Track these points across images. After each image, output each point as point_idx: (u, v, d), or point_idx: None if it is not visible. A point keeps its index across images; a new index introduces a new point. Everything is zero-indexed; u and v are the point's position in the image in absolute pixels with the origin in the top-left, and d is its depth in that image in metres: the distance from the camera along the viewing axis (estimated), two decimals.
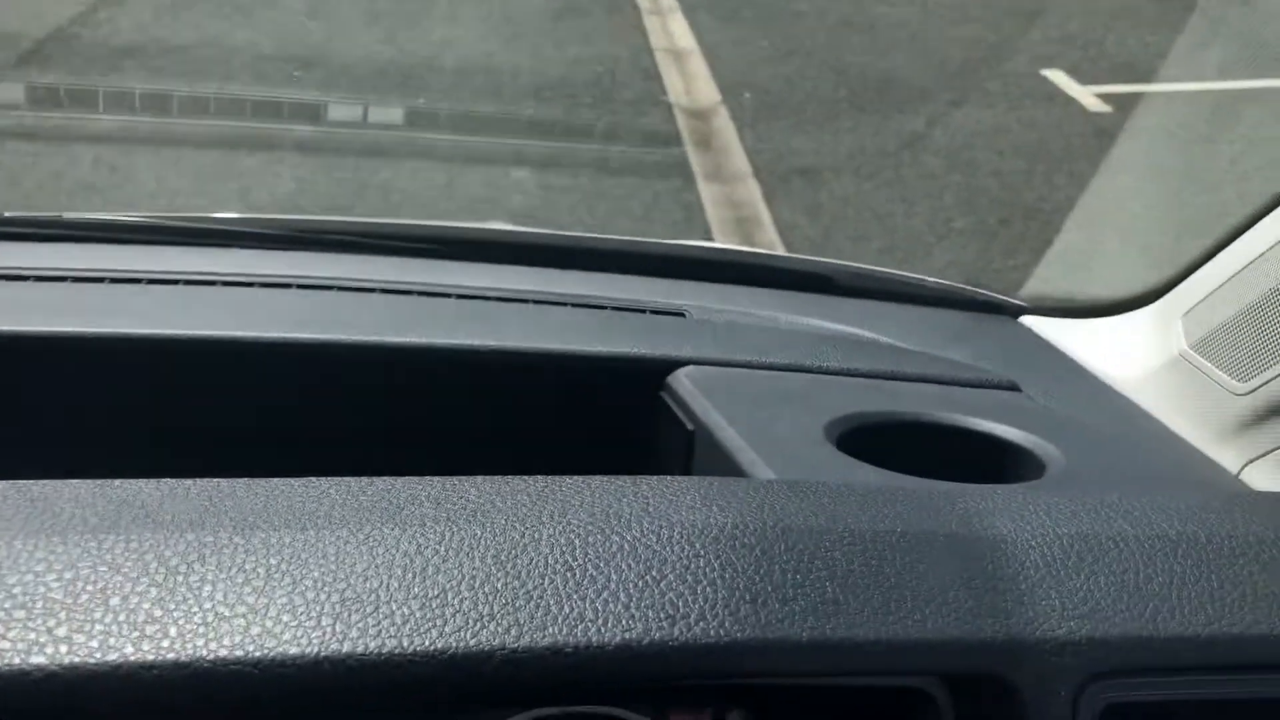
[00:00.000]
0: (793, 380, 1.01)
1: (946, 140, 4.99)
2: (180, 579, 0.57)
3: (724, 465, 0.88)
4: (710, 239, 3.96)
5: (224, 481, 0.65)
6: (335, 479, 0.66)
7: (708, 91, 5.46)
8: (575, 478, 0.69)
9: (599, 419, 1.04)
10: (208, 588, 0.57)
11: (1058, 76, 5.74)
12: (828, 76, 5.71)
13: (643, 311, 1.14)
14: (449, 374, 1.00)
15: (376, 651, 0.56)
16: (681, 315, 1.16)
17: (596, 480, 0.69)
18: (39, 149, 4.43)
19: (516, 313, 1.10)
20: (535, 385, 1.02)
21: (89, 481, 0.64)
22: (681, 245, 1.36)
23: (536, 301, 1.12)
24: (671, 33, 6.30)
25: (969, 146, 4.95)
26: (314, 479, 0.66)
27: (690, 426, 0.95)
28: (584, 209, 4.21)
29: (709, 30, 6.30)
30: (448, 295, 1.10)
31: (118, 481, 0.64)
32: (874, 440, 0.92)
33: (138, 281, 1.04)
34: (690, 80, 5.62)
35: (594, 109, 5.20)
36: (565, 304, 1.13)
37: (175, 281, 1.06)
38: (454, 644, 0.57)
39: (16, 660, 0.53)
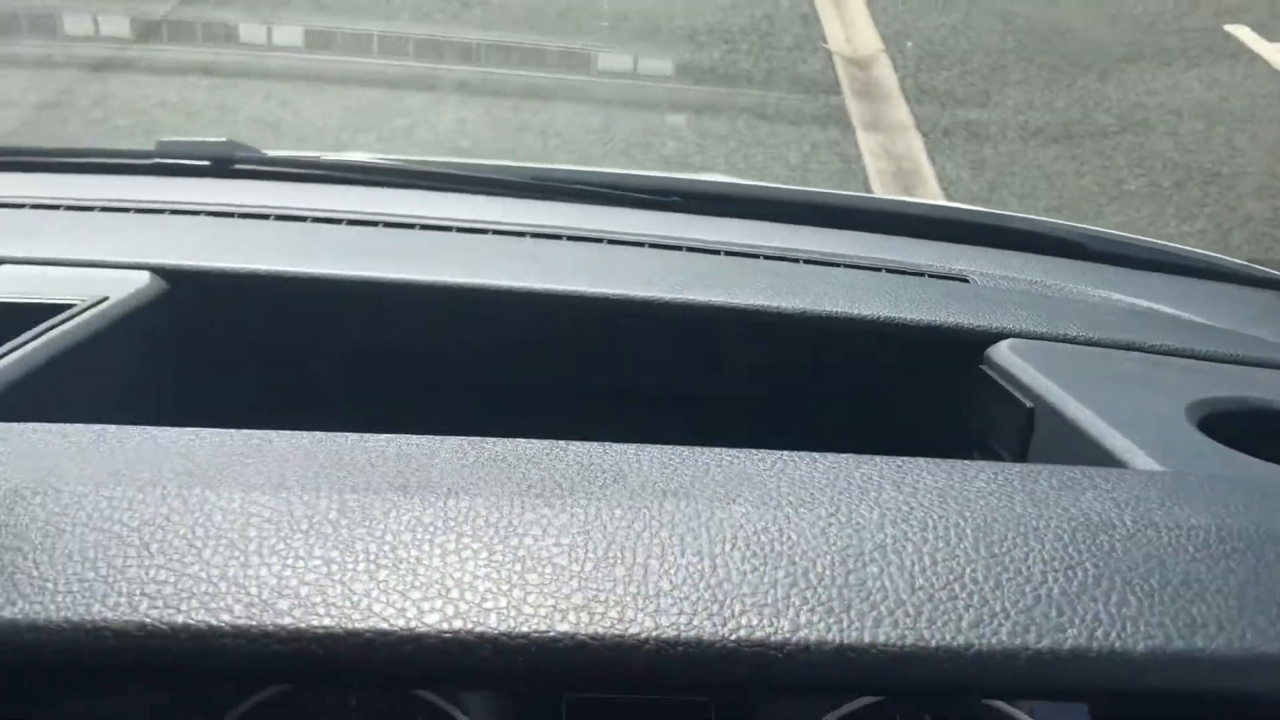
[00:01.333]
0: (1132, 360, 0.92)
1: (1119, 97, 4.77)
2: (465, 545, 0.56)
3: (1078, 450, 0.80)
4: (869, 191, 3.88)
5: (509, 443, 0.63)
6: (672, 448, 0.64)
7: (868, 39, 5.33)
8: (940, 461, 0.65)
9: (901, 390, 0.97)
10: (485, 554, 0.56)
11: (1242, 32, 5.43)
12: (994, 26, 5.50)
13: (921, 275, 1.06)
14: (739, 336, 0.94)
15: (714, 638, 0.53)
16: (965, 280, 1.07)
17: (991, 470, 0.64)
18: (214, 83, 4.58)
19: (791, 272, 1.02)
20: (829, 351, 0.96)
21: (395, 438, 0.63)
22: (923, 204, 1.27)
23: (808, 261, 1.06)
24: None
25: (1143, 105, 4.72)
26: (620, 446, 0.64)
27: (1029, 404, 0.87)
28: (740, 156, 4.17)
29: None
30: (715, 252, 1.05)
31: (416, 438, 0.63)
32: (1231, 428, 0.83)
33: (411, 227, 1.04)
34: (850, 28, 5.49)
35: (751, 55, 5.12)
36: (837, 264, 1.05)
37: (448, 228, 1.05)
38: (786, 633, 0.53)
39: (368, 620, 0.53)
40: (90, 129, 4.21)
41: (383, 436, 0.64)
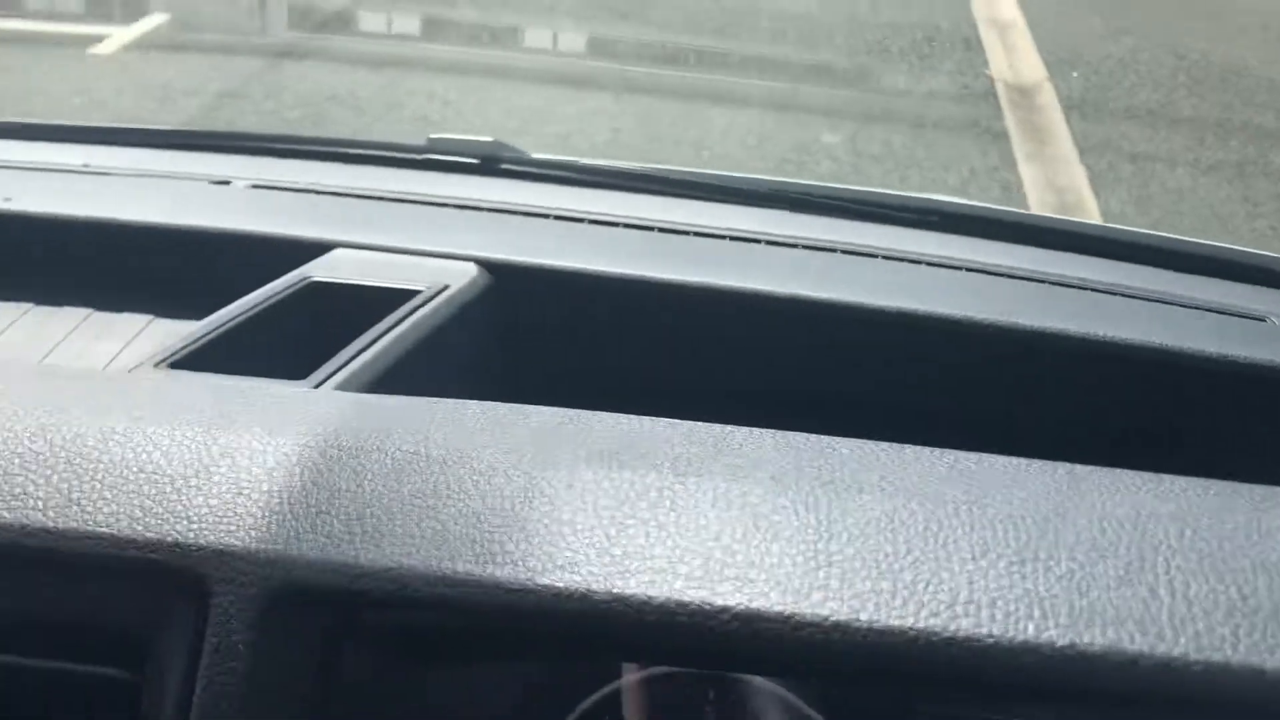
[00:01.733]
0: None
1: None
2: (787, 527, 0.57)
3: None
4: None
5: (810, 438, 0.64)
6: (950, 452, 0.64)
7: (1032, 67, 5.21)
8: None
9: (1200, 423, 0.94)
10: (802, 538, 0.57)
11: None
12: (1165, 60, 5.33)
13: (1220, 313, 1.03)
14: (1039, 361, 0.93)
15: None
16: (1263, 320, 1.04)
17: None
18: (382, 80, 4.72)
19: (1083, 299, 1.02)
20: (1142, 384, 0.94)
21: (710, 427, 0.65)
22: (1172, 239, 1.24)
23: (1093, 289, 1.04)
24: (995, 2, 6.04)
25: None
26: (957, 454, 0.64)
27: None
28: (895, 178, 4.12)
29: (1035, 2, 6.00)
30: (991, 274, 1.04)
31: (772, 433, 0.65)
32: None
33: (685, 233, 1.06)
34: (1014, 54, 5.38)
35: (910, 76, 5.06)
36: (1119, 294, 1.04)
37: (721, 236, 1.07)
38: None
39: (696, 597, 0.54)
40: (263, 119, 4.38)
41: (711, 426, 0.66)
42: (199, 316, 0.95)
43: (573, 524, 0.57)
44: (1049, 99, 4.88)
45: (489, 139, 1.23)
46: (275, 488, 0.60)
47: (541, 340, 0.96)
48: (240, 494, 0.59)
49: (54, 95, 4.43)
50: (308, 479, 0.60)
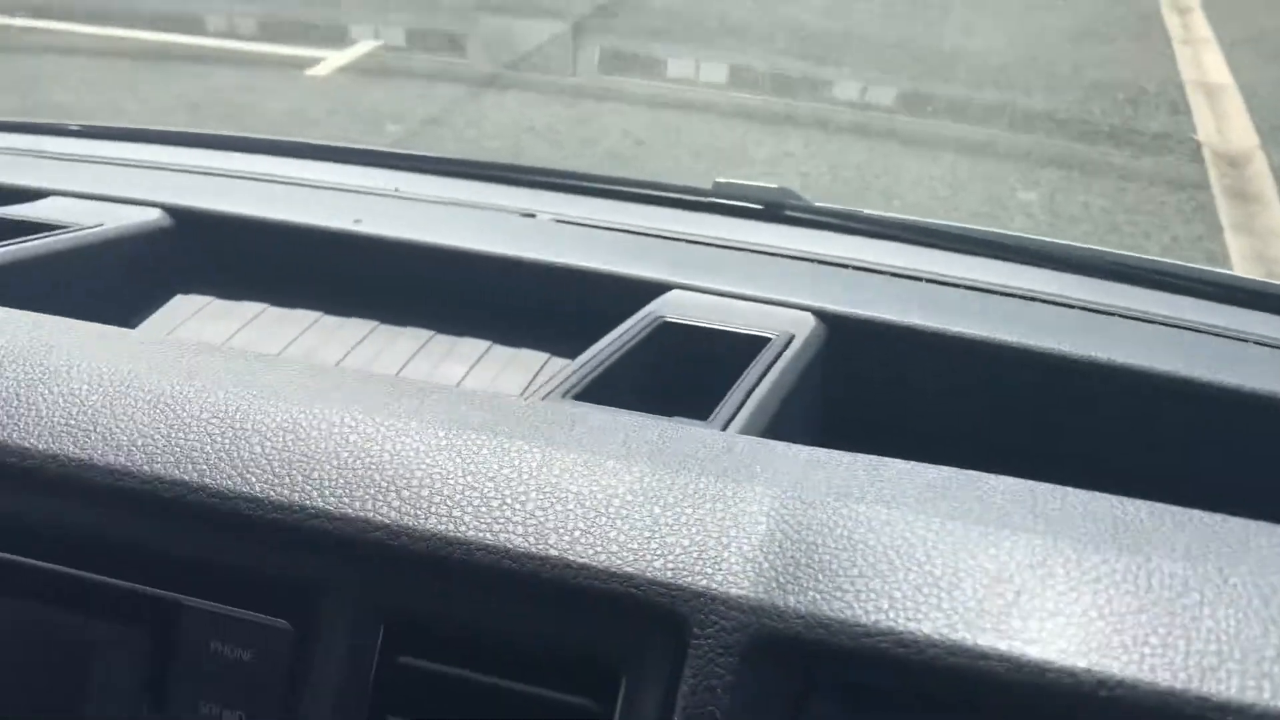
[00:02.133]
0: None
1: None
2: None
3: None
4: None
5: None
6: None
7: (1244, 134, 4.99)
8: None
9: None
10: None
11: None
12: None
13: None
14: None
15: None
16: None
17: None
18: (579, 113, 4.83)
19: None
20: None
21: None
22: None
23: None
24: (1205, 66, 5.82)
25: None
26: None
27: None
28: (1094, 242, 3.98)
29: (1249, 67, 5.76)
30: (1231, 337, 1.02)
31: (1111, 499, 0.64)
32: None
33: (992, 293, 1.06)
34: (1223, 119, 5.16)
35: (1112, 138, 4.91)
36: None
37: (1030, 298, 1.07)
38: None
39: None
40: (464, 145, 4.53)
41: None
42: (538, 346, 1.00)
43: (1019, 592, 0.57)
44: (1260, 168, 4.66)
45: (774, 185, 1.25)
46: (750, 535, 0.60)
47: (873, 392, 0.96)
48: (713, 537, 0.60)
49: (270, 113, 4.68)
50: (779, 528, 0.60)
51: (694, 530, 0.60)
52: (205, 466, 0.65)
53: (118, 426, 0.67)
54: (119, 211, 1.08)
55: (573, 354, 0.93)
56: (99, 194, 1.12)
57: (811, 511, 0.61)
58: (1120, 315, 1.05)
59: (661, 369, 0.90)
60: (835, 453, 0.68)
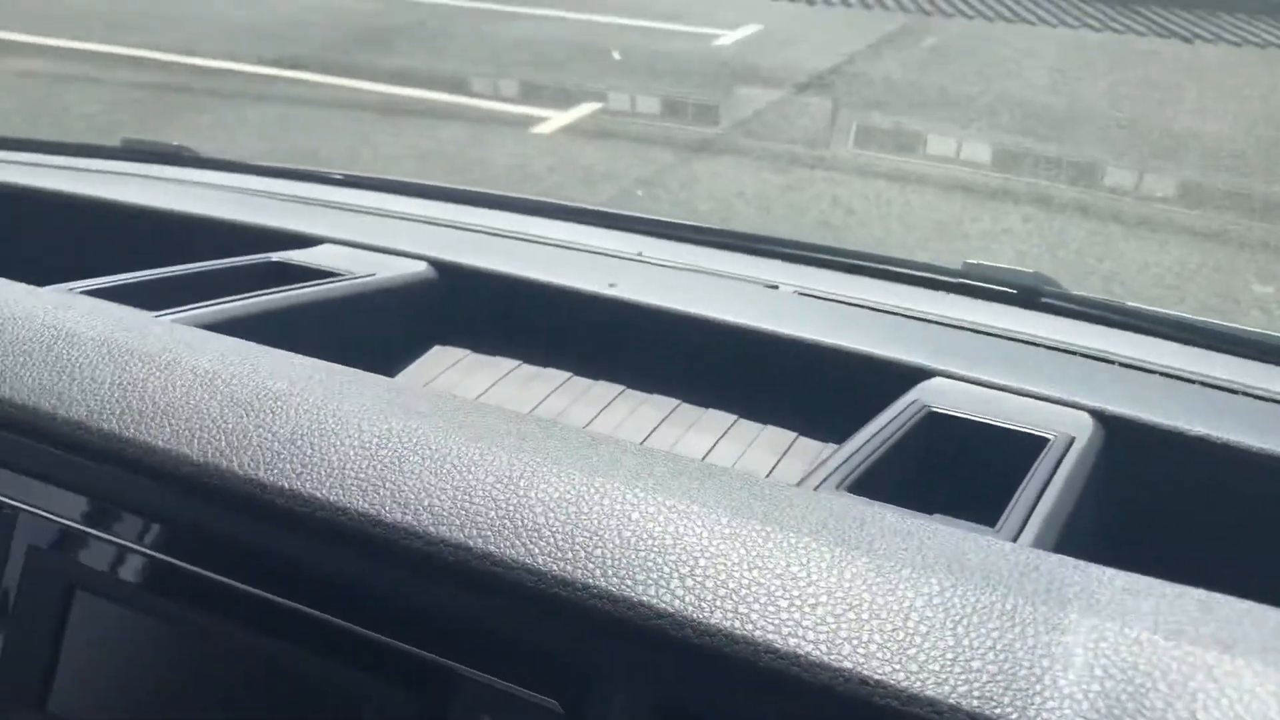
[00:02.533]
0: None
1: None
2: None
3: None
4: None
5: None
6: None
7: None
8: None
9: None
10: None
11: None
12: None
13: None
14: None
15: None
16: None
17: None
18: (787, 179, 4.84)
19: None
20: None
21: None
22: None
23: None
24: None
25: None
26: None
27: None
28: None
29: None
30: None
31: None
32: None
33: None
34: None
35: None
36: None
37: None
38: None
39: None
40: (676, 207, 4.60)
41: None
42: (790, 424, 0.98)
43: None
44: None
45: (1029, 270, 1.21)
46: (1067, 667, 0.55)
47: (1153, 504, 0.90)
48: (1024, 666, 0.55)
49: (494, 165, 4.87)
50: (1099, 663, 0.55)
51: (1002, 656, 0.56)
52: (490, 533, 0.64)
53: (405, 484, 0.67)
54: (389, 262, 1.12)
55: (826, 435, 0.91)
56: (369, 244, 1.16)
57: (1138, 649, 0.55)
58: None
59: (928, 462, 0.86)
60: (1156, 582, 0.61)
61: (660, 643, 0.59)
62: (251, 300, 0.99)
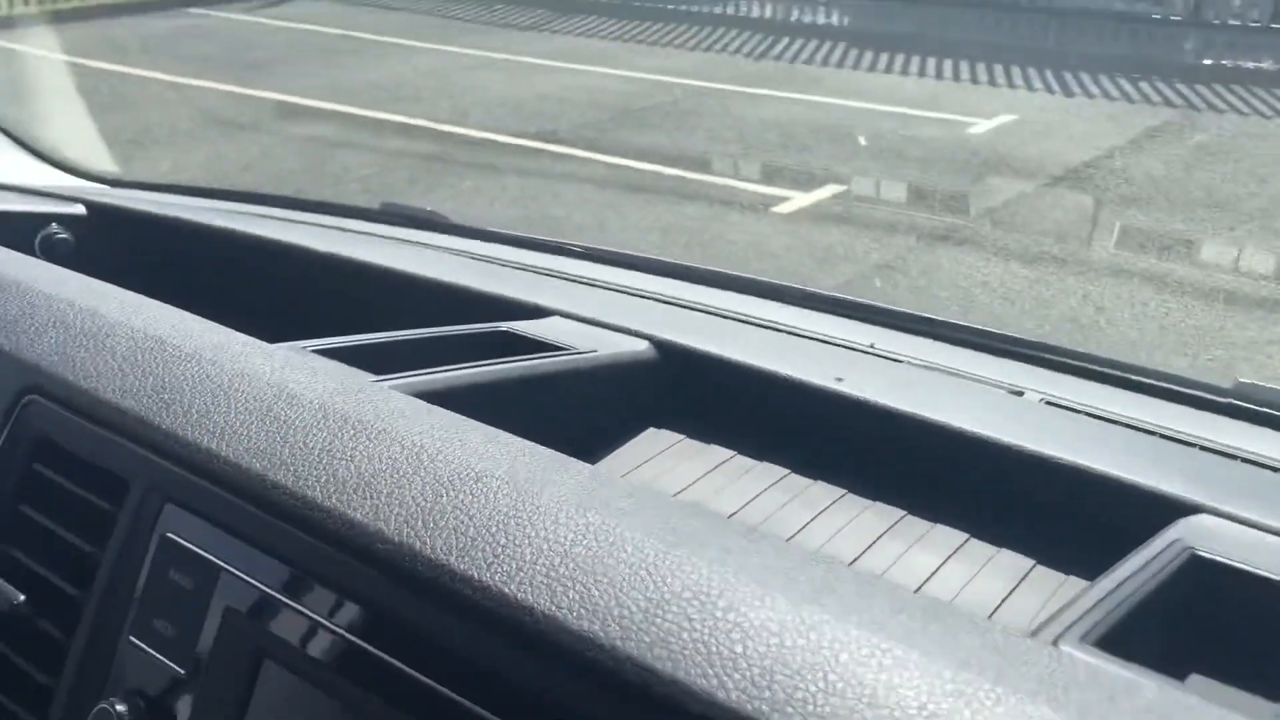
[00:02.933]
0: None
1: None
2: None
3: None
4: None
5: None
6: None
7: None
8: None
9: None
10: None
11: None
12: None
13: None
14: None
15: None
16: None
17: None
18: (1034, 273, 4.69)
19: None
20: None
21: None
22: None
23: None
24: None
25: None
26: None
27: None
28: None
29: None
30: None
31: None
32: None
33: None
34: None
35: None
36: None
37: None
38: None
39: None
40: (914, 294, 4.53)
41: None
42: (1024, 548, 0.90)
43: None
44: None
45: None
46: None
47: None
48: None
49: (734, 243, 4.94)
50: None
51: None
52: (680, 657, 0.59)
53: (596, 589, 0.63)
54: (611, 339, 1.11)
55: (1067, 568, 0.82)
56: (594, 319, 1.15)
57: None
58: None
59: (1186, 613, 0.75)
60: None
61: None
62: (473, 370, 0.99)
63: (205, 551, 0.79)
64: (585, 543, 0.66)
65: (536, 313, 1.18)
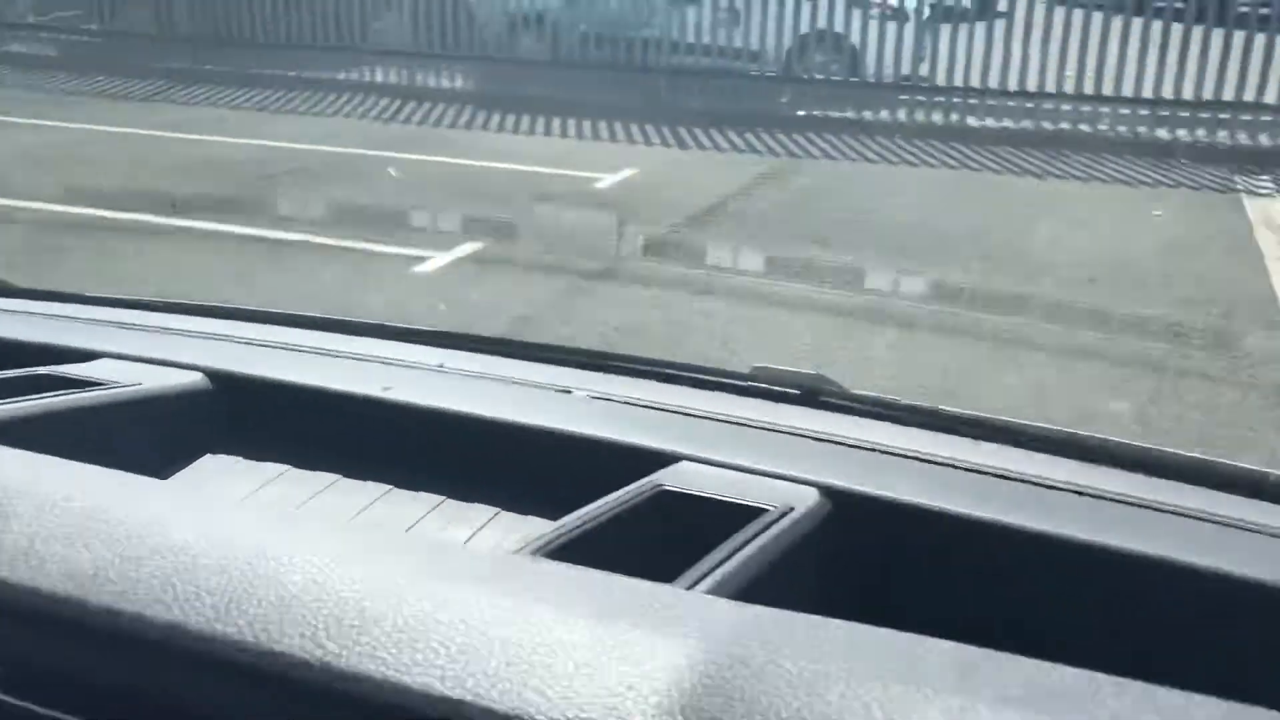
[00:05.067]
0: None
1: None
2: None
3: None
4: None
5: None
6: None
7: None
8: None
9: None
10: None
11: None
12: None
13: None
14: None
15: None
16: None
17: None
18: (668, 321, 4.95)
19: None
20: None
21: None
22: None
23: None
24: None
25: None
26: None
27: None
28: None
29: None
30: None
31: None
32: None
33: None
34: None
35: (1206, 353, 4.87)
36: None
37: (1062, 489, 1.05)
38: None
39: None
40: (562, 341, 4.66)
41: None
42: (545, 511, 1.01)
43: None
44: None
45: (812, 371, 1.28)
46: (667, 688, 0.61)
47: (875, 570, 0.97)
48: (631, 690, 0.61)
49: (371, 307, 4.90)
50: (699, 684, 0.61)
51: (612, 681, 0.62)
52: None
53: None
54: (161, 373, 1.15)
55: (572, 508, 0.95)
56: (146, 357, 1.19)
57: (736, 666, 0.62)
58: (1112, 500, 1.04)
59: (656, 535, 0.91)
60: (782, 613, 0.69)
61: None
62: (15, 405, 1.00)
63: None
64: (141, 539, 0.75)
65: (84, 356, 1.19)
